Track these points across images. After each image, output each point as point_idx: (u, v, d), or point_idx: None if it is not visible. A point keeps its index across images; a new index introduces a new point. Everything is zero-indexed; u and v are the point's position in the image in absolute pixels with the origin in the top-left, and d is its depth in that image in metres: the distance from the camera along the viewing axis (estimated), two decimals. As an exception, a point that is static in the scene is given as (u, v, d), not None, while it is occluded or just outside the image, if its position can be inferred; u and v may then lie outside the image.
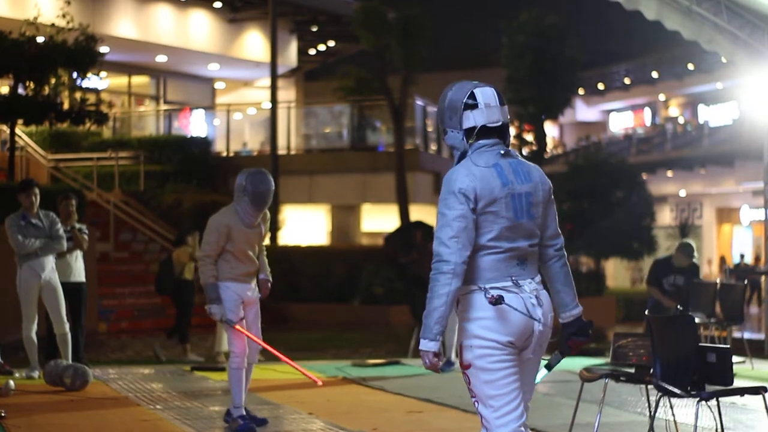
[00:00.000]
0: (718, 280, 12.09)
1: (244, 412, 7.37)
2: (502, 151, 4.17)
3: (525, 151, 26.64)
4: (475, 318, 4.06)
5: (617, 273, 38.02)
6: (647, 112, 49.10)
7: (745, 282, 12.21)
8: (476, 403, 4.11)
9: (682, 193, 40.09)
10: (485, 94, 4.18)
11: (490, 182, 4.08)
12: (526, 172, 4.20)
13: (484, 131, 4.17)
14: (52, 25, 17.94)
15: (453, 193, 4.05)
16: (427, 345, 4.04)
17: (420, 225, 17.16)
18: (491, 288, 4.05)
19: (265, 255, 7.67)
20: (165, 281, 13.57)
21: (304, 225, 26.14)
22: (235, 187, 7.33)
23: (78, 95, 18.42)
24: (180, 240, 13.60)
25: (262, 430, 7.39)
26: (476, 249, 4.07)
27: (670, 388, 5.98)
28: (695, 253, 11.64)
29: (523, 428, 4.08)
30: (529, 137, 26.31)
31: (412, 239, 15.39)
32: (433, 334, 4.02)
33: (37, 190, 9.98)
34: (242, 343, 7.33)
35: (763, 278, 16.16)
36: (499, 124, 4.18)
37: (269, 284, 7.61)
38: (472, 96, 4.17)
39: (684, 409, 7.74)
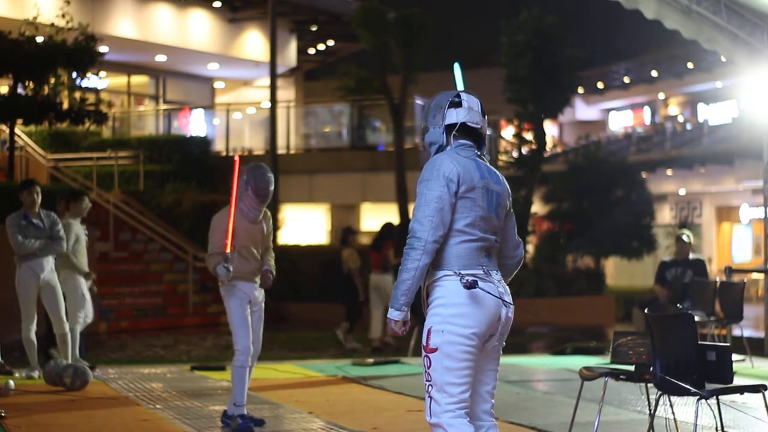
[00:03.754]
0: (717, 279, 12.09)
1: (245, 412, 7.37)
2: (478, 153, 4.46)
3: (524, 150, 26.65)
4: (449, 304, 4.26)
5: (617, 272, 38.06)
6: (647, 111, 49.09)
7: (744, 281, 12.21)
8: (429, 387, 4.27)
9: (682, 192, 40.09)
10: (470, 99, 4.48)
11: (470, 171, 4.35)
12: (497, 176, 4.49)
13: (464, 132, 4.45)
14: (52, 24, 17.94)
15: (436, 177, 4.28)
16: (392, 314, 4.31)
17: None
18: (465, 273, 4.26)
19: (272, 255, 7.62)
20: (334, 277, 15.05)
21: (304, 224, 26.14)
22: (237, 184, 7.33)
23: (77, 95, 18.42)
24: (346, 240, 14.86)
25: (262, 430, 7.39)
26: (451, 235, 4.30)
27: (673, 383, 5.99)
28: (686, 239, 11.72)
29: (466, 414, 4.28)
30: (528, 136, 26.30)
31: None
32: (399, 304, 4.28)
33: (38, 189, 9.98)
34: (247, 341, 7.30)
35: (762, 277, 16.15)
36: (479, 127, 4.46)
37: (270, 275, 7.49)
38: (458, 96, 4.47)
39: (684, 407, 7.74)
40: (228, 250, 7.12)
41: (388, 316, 4.33)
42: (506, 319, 4.39)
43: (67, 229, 10.59)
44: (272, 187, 7.40)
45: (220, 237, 7.22)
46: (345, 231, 15.06)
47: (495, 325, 4.34)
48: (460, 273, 4.27)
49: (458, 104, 4.45)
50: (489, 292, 4.28)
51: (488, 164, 4.50)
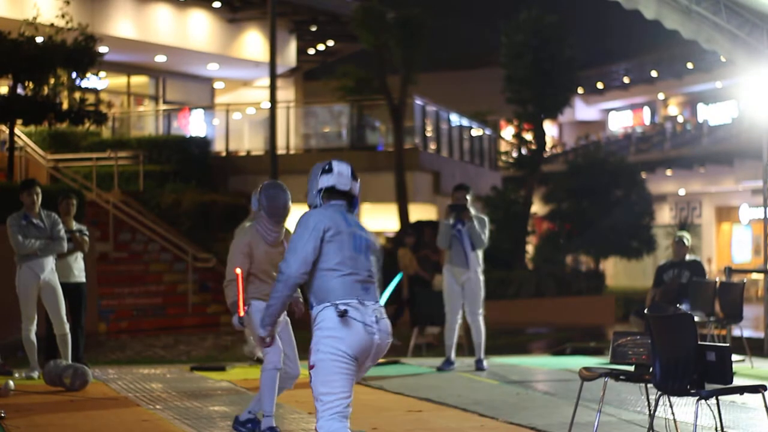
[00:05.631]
0: (717, 279, 12.08)
1: (274, 423, 6.94)
2: (346, 210, 5.25)
3: (524, 150, 26.65)
4: (325, 328, 4.99)
5: (615, 272, 38.07)
6: (646, 111, 49.11)
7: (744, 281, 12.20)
8: (315, 400, 5.02)
9: (682, 192, 40.10)
10: (340, 166, 5.28)
11: (337, 220, 5.15)
12: (363, 228, 5.23)
13: (335, 193, 5.25)
14: (51, 25, 17.93)
15: (306, 229, 5.10)
16: (261, 332, 5.37)
17: (428, 224, 17.39)
18: (340, 303, 4.99)
19: None
20: (390, 276, 15.60)
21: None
22: (252, 205, 7.09)
23: (77, 95, 18.41)
24: (401, 241, 15.79)
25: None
26: (327, 270, 5.08)
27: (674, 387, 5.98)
28: (686, 241, 11.66)
29: (343, 420, 5.00)
30: (528, 136, 26.32)
31: (422, 237, 15.69)
32: (266, 324, 5.29)
33: (38, 189, 9.98)
34: (274, 343, 6.65)
35: (762, 277, 16.14)
36: (348, 189, 5.25)
37: (300, 300, 7.12)
38: (330, 164, 5.27)
39: (684, 407, 7.74)
40: (241, 314, 6.89)
41: (259, 334, 5.36)
42: (377, 346, 5.04)
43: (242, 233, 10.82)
44: (289, 205, 7.05)
45: (240, 262, 6.96)
46: (401, 232, 16.00)
47: (368, 348, 5.02)
48: (335, 303, 4.99)
49: (329, 171, 5.24)
50: (357, 320, 4.97)
51: (356, 218, 5.27)
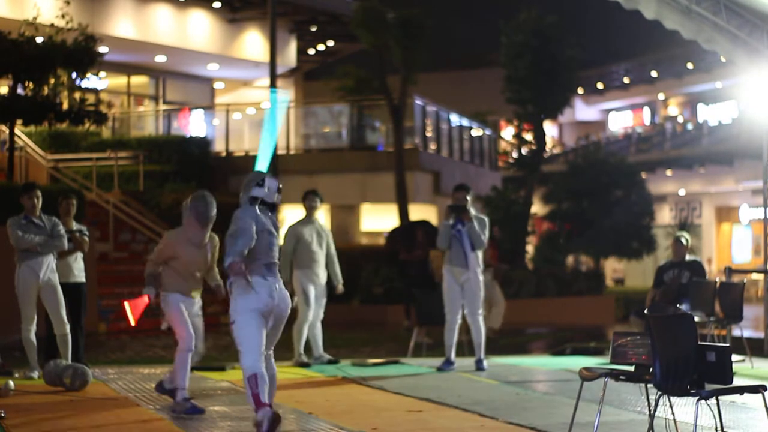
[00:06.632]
0: (717, 279, 12.07)
1: (188, 395, 8.11)
2: (269, 213, 6.97)
3: (524, 150, 26.65)
4: (239, 294, 6.75)
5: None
6: (646, 112, 49.11)
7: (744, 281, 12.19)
8: (238, 346, 6.75)
9: (682, 192, 40.11)
10: (271, 183, 6.93)
11: (262, 220, 6.87)
12: (275, 227, 6.92)
13: (262, 203, 6.88)
14: (51, 25, 17.93)
15: (247, 222, 6.73)
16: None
17: (423, 224, 17.37)
18: (252, 277, 6.75)
19: (216, 271, 8.41)
20: (416, 276, 16.15)
21: (304, 225, 26.06)
22: (182, 210, 8.08)
23: (77, 95, 18.41)
24: (433, 242, 16.20)
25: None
26: (248, 255, 6.74)
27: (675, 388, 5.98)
28: (684, 241, 11.65)
29: (260, 360, 6.71)
30: (528, 137, 26.32)
31: (415, 238, 15.71)
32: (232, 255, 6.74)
33: (38, 193, 9.99)
34: (189, 331, 8.26)
35: (762, 277, 16.14)
36: (272, 201, 6.95)
37: (220, 287, 8.23)
38: (263, 179, 6.87)
39: (684, 407, 7.74)
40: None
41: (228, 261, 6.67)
42: (277, 307, 6.83)
43: (290, 233, 11.27)
44: (213, 212, 8.01)
45: (160, 249, 8.17)
46: (394, 232, 16.44)
47: (270, 305, 6.78)
48: (246, 277, 6.70)
49: (261, 185, 6.86)
50: (262, 288, 6.75)
51: (274, 218, 6.92)
